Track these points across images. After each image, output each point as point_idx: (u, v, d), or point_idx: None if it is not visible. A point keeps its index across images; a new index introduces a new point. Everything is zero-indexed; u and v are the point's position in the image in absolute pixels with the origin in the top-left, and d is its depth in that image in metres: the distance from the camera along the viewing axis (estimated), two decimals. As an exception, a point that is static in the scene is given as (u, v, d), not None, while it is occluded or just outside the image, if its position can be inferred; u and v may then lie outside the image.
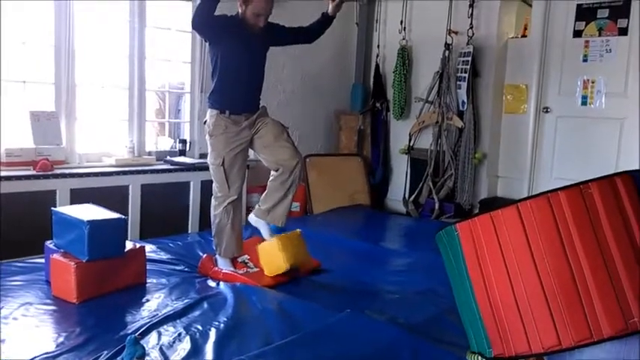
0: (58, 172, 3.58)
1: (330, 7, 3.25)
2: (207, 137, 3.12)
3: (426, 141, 5.14)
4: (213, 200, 3.17)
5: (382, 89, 5.50)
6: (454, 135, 4.91)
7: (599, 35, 4.34)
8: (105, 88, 4.15)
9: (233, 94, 3.07)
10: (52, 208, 2.88)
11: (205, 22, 2.89)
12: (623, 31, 4.23)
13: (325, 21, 3.28)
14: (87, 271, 2.61)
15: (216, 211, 3.15)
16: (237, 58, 3.03)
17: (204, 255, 3.33)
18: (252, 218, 3.22)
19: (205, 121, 3.13)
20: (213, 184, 3.15)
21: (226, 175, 3.06)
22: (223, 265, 3.15)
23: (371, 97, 5.54)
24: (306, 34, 3.32)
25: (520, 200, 1.76)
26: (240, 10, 3.01)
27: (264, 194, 3.20)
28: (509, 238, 1.75)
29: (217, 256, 3.20)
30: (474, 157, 4.81)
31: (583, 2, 4.42)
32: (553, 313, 1.65)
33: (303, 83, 5.32)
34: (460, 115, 4.84)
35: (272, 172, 3.19)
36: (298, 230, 3.25)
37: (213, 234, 3.20)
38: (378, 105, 5.47)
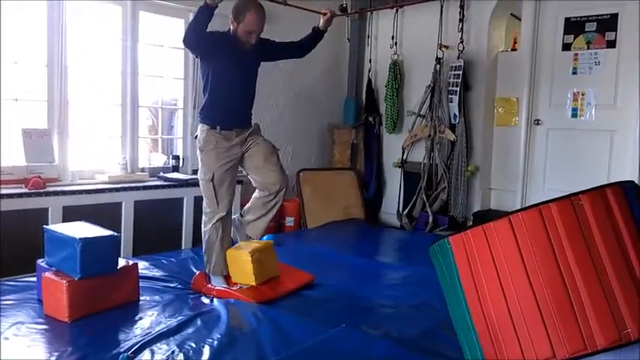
0: (51, 189, 3.56)
1: (322, 22, 3.28)
2: (197, 152, 3.12)
3: (419, 154, 5.16)
4: (203, 216, 3.18)
5: (375, 103, 5.54)
6: (447, 148, 4.94)
7: (588, 48, 4.40)
8: (98, 104, 4.15)
9: (224, 110, 3.08)
10: (44, 226, 2.86)
11: (198, 40, 2.89)
12: (611, 44, 4.28)
13: (316, 35, 3.31)
14: (79, 289, 2.59)
15: (205, 227, 3.15)
16: (228, 74, 3.05)
17: (198, 272, 3.31)
18: (234, 221, 3.26)
19: (196, 136, 3.14)
20: (204, 201, 3.15)
21: (215, 191, 3.06)
22: (216, 282, 3.14)
23: (364, 111, 5.57)
24: (297, 49, 3.35)
25: (512, 212, 1.77)
26: (232, 27, 3.03)
27: (247, 206, 3.25)
28: (501, 250, 1.75)
29: (209, 273, 3.19)
30: (466, 170, 4.83)
31: (571, 16, 4.48)
32: (547, 325, 1.66)
33: (296, 98, 5.34)
34: (452, 128, 4.87)
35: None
36: (270, 241, 3.25)
37: (203, 251, 3.20)
38: (370, 119, 5.50)
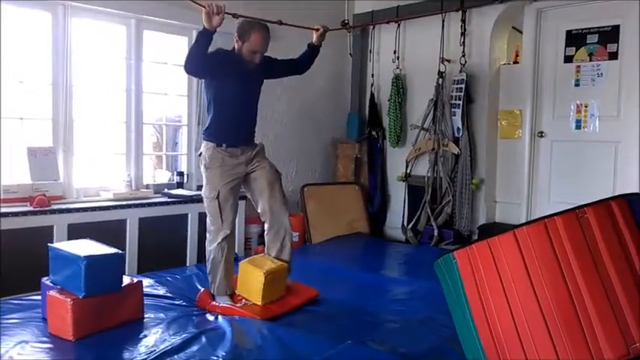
0: (55, 207, 3.58)
1: (315, 37, 3.32)
2: (202, 169, 3.13)
3: (422, 168, 5.15)
4: (207, 235, 3.17)
5: (378, 117, 5.55)
6: (450, 161, 4.93)
7: (590, 60, 4.40)
8: (102, 122, 4.18)
9: (229, 128, 3.10)
10: (49, 244, 2.86)
11: (197, 66, 2.93)
12: (614, 56, 4.28)
13: (312, 51, 3.37)
14: (84, 307, 2.59)
15: (210, 246, 3.14)
16: (232, 93, 3.07)
17: (202, 289, 3.30)
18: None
19: (200, 153, 3.14)
20: (207, 218, 3.15)
21: (220, 209, 3.06)
22: (221, 301, 3.12)
23: (367, 126, 5.58)
24: (296, 66, 3.42)
25: (517, 226, 1.76)
26: (236, 46, 3.06)
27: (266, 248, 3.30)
28: (507, 264, 1.74)
29: (214, 294, 3.18)
30: (471, 183, 4.82)
31: (572, 28, 4.49)
32: (554, 339, 1.64)
33: (299, 114, 5.36)
34: (456, 141, 4.87)
35: (265, 227, 3.27)
36: (285, 264, 3.23)
37: (207, 270, 3.19)
38: (374, 133, 5.50)
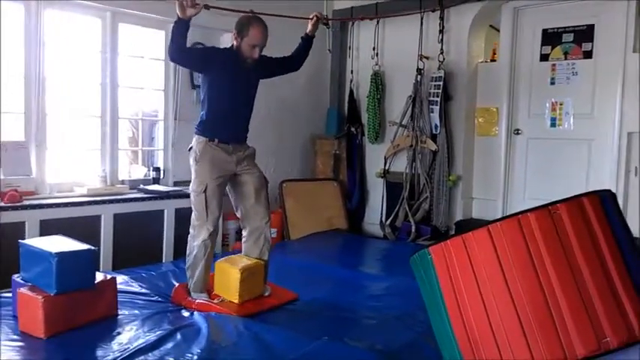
0: (27, 203, 3.50)
1: (309, 26, 3.34)
2: (192, 163, 3.09)
3: (401, 164, 5.18)
4: (191, 230, 3.13)
5: (357, 114, 5.55)
6: (428, 158, 4.96)
7: (565, 59, 4.47)
8: (76, 116, 4.10)
9: (222, 124, 3.09)
10: (20, 241, 2.80)
11: (181, 56, 2.97)
12: (588, 54, 4.36)
13: (306, 42, 3.39)
14: (55, 304, 2.54)
15: (194, 242, 3.10)
16: (227, 89, 3.07)
17: (177, 284, 3.26)
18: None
19: (190, 147, 3.12)
20: (193, 214, 3.11)
21: (207, 204, 3.02)
22: (197, 296, 3.10)
23: (346, 122, 5.58)
24: (292, 61, 3.41)
25: (491, 222, 1.78)
26: (235, 43, 3.06)
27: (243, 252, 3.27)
28: (481, 260, 1.76)
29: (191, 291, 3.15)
30: (448, 180, 4.86)
31: (548, 27, 4.55)
32: (526, 334, 1.66)
33: (278, 109, 5.33)
34: (433, 138, 4.90)
35: (243, 233, 3.25)
36: (261, 262, 3.21)
37: (187, 265, 3.15)
38: (353, 129, 5.51)
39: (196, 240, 3.08)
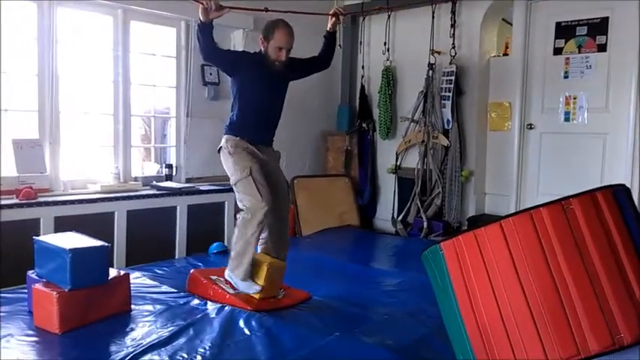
0: (42, 200, 3.54)
1: (329, 23, 3.35)
2: (227, 158, 3.09)
3: (412, 160, 5.16)
4: (240, 218, 3.02)
5: (368, 109, 5.54)
6: (440, 153, 4.94)
7: (579, 52, 4.41)
8: (89, 114, 4.14)
9: (251, 127, 3.13)
10: (34, 237, 2.83)
11: (216, 56, 3.05)
12: (602, 48, 4.29)
13: (329, 41, 3.39)
14: (69, 300, 2.56)
15: (246, 228, 2.99)
16: (256, 93, 3.12)
17: (192, 270, 3.29)
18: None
19: (220, 148, 3.14)
20: (239, 204, 3.06)
21: (256, 184, 2.99)
22: (245, 288, 3.04)
23: (357, 118, 5.57)
24: (320, 60, 3.43)
25: (503, 217, 1.76)
26: (262, 48, 3.11)
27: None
28: (493, 255, 1.74)
29: (236, 280, 3.08)
30: (460, 175, 4.83)
31: (562, 20, 4.49)
32: (539, 330, 1.64)
33: (289, 105, 5.28)
34: (445, 133, 4.87)
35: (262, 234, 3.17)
36: (284, 263, 3.21)
37: (233, 254, 3.07)
38: (364, 125, 5.50)
39: (253, 222, 2.97)
